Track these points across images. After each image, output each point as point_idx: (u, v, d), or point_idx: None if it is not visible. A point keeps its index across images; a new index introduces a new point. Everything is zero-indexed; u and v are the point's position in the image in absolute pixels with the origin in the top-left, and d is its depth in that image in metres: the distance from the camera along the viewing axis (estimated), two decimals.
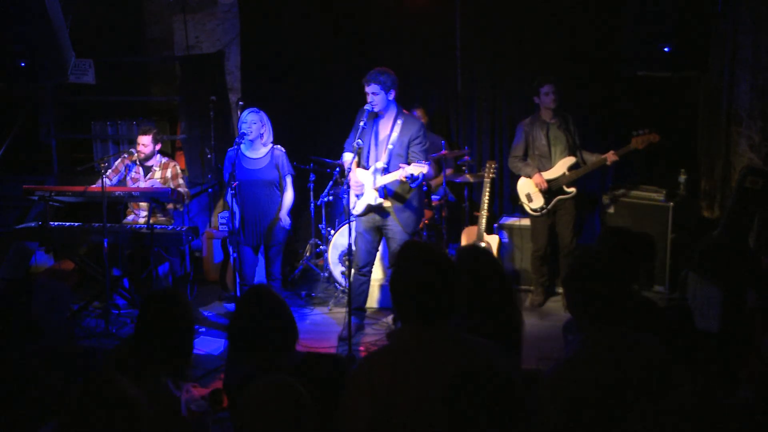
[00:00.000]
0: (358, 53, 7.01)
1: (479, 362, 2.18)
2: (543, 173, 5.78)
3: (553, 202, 5.82)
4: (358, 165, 5.16)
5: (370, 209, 5.14)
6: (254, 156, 5.27)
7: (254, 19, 7.52)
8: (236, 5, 7.66)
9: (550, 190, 5.78)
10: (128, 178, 6.00)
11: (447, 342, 2.23)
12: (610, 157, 5.60)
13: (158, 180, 5.95)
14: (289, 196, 5.44)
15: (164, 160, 6.07)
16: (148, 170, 6.00)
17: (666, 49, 4.87)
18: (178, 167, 6.06)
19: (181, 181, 6.00)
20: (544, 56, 6.73)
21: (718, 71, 6.16)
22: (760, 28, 5.53)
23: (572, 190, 5.76)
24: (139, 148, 5.90)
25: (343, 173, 5.35)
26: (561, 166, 5.75)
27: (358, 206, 5.07)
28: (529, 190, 5.88)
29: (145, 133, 5.95)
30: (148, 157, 5.96)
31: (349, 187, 5.07)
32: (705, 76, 6.25)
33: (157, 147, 6.03)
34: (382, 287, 5.95)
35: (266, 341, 2.69)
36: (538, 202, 5.86)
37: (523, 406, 2.18)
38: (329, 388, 2.60)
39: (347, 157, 5.25)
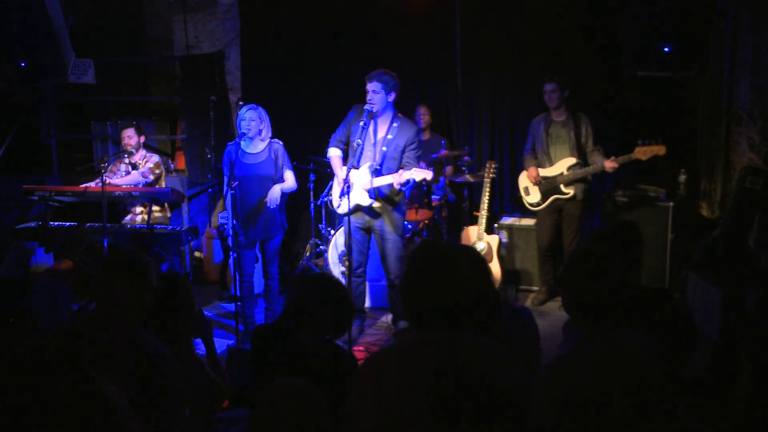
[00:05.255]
0: (358, 53, 7.01)
1: (485, 364, 2.18)
2: (542, 170, 5.80)
3: (549, 200, 5.83)
4: (345, 163, 5.16)
5: (359, 208, 5.14)
6: (253, 151, 5.26)
7: (254, 19, 7.52)
8: (236, 5, 7.67)
9: (547, 188, 5.79)
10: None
11: (455, 344, 2.22)
12: (609, 164, 5.47)
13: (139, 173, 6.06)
14: (290, 181, 5.30)
15: (147, 154, 6.18)
16: (135, 167, 6.09)
17: (666, 49, 4.87)
18: (155, 157, 6.15)
19: (148, 165, 6.04)
20: (544, 56, 6.73)
21: (718, 71, 6.15)
22: (760, 28, 5.53)
23: (570, 191, 5.72)
24: (125, 140, 6.09)
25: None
26: (560, 165, 5.74)
27: (344, 205, 5.02)
28: (526, 183, 5.95)
29: (127, 127, 6.16)
30: (136, 149, 6.10)
31: (331, 189, 5.05)
32: (705, 76, 6.24)
33: (142, 139, 6.18)
34: (372, 287, 5.94)
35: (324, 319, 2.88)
36: (535, 197, 5.90)
37: (521, 411, 2.18)
38: (328, 379, 2.63)
39: (333, 152, 5.25)
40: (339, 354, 2.92)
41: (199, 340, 3.11)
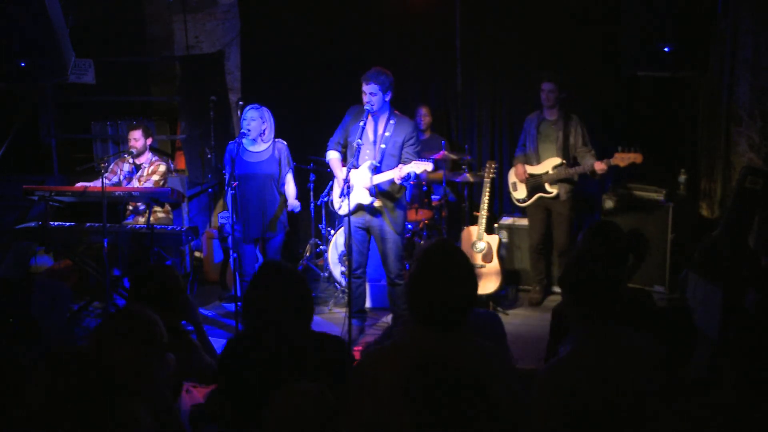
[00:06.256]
0: (358, 53, 7.01)
1: (481, 367, 2.18)
2: (529, 167, 5.83)
3: (534, 198, 5.87)
4: (345, 163, 5.16)
5: (360, 208, 5.14)
6: (256, 149, 5.24)
7: (254, 19, 7.53)
8: (236, 5, 7.67)
9: (533, 185, 5.82)
10: (123, 181, 6.07)
11: (456, 343, 2.22)
12: (598, 166, 5.45)
13: (143, 177, 6.04)
14: (291, 188, 5.39)
15: (154, 159, 6.15)
16: (139, 168, 6.07)
17: (666, 49, 4.86)
18: (163, 167, 6.11)
19: (156, 177, 6.04)
20: (544, 56, 6.73)
21: (718, 71, 6.16)
22: (760, 28, 5.53)
23: (553, 190, 5.74)
24: (131, 143, 6.05)
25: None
26: (547, 164, 5.77)
27: (344, 206, 4.99)
28: (514, 179, 5.99)
29: (134, 129, 6.11)
30: (141, 152, 6.06)
31: (331, 189, 5.05)
32: (705, 76, 6.25)
33: (149, 141, 6.14)
34: (372, 287, 5.94)
35: (281, 313, 2.68)
36: (521, 193, 5.95)
37: (514, 415, 2.18)
38: (335, 370, 2.62)
39: (332, 155, 5.25)
40: (327, 340, 2.83)
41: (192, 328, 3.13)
